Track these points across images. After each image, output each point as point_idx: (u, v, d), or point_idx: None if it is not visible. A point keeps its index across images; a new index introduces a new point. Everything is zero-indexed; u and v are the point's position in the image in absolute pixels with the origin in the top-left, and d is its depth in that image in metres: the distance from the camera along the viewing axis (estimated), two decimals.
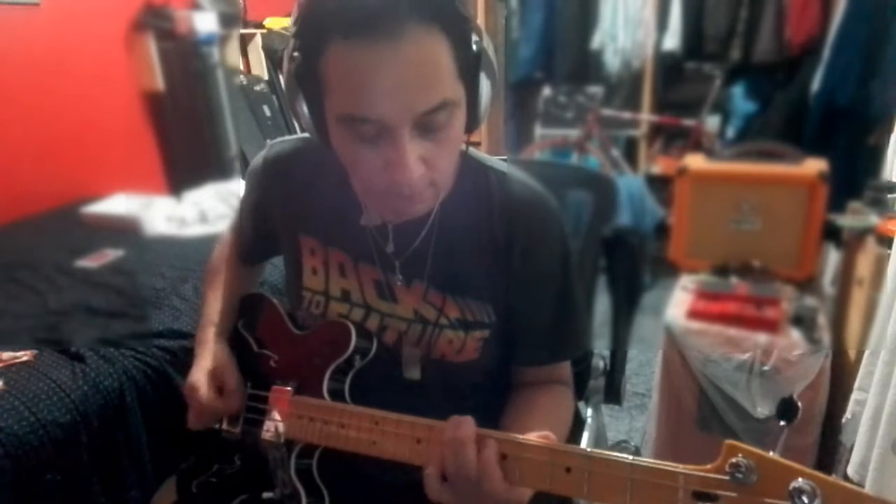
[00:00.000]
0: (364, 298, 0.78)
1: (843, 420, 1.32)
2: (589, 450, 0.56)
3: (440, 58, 0.58)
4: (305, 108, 0.64)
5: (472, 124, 0.66)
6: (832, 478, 0.46)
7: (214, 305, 0.88)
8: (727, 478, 0.49)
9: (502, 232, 0.73)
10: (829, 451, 1.49)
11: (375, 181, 0.64)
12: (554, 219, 0.76)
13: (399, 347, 0.78)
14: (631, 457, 0.54)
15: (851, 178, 1.63)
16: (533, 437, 0.60)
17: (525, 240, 0.73)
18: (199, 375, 0.79)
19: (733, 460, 0.49)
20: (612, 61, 2.81)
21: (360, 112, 0.59)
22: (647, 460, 0.53)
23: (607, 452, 0.55)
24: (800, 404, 0.55)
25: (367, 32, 0.55)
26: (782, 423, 0.56)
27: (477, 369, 0.78)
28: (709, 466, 0.51)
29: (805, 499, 0.46)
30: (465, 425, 0.61)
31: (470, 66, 0.61)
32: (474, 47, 0.61)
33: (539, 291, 0.76)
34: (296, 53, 0.60)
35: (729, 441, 0.50)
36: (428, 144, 0.62)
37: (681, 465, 0.52)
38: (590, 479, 0.55)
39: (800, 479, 0.47)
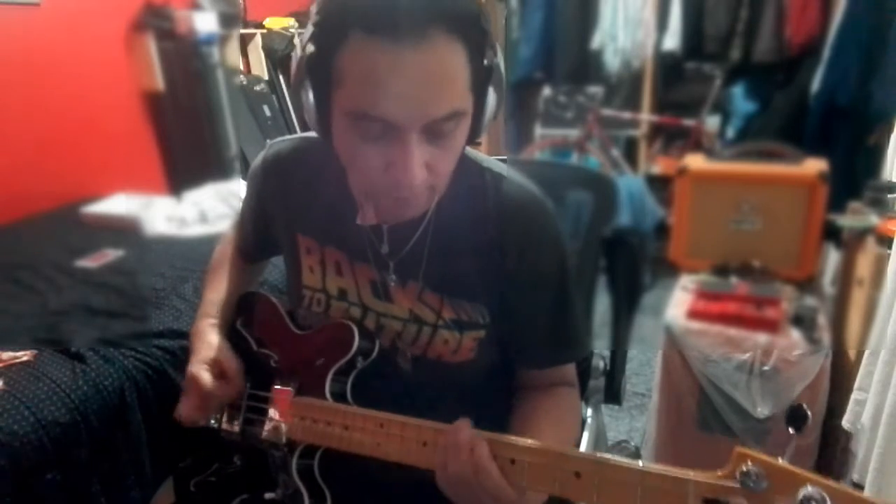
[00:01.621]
0: (360, 297, 0.78)
1: (847, 424, 1.31)
2: (599, 455, 0.56)
3: (457, 68, 0.59)
4: (311, 100, 0.63)
5: (474, 134, 0.67)
6: (840, 485, 0.46)
7: (213, 298, 0.88)
8: (737, 485, 0.49)
9: (496, 233, 0.73)
10: (829, 451, 1.49)
11: (374, 181, 0.64)
12: (549, 221, 0.76)
13: (395, 348, 0.78)
14: (641, 462, 0.53)
15: (851, 178, 1.63)
16: None
17: (519, 242, 0.73)
18: (199, 365, 0.78)
19: (743, 468, 0.49)
20: (612, 61, 2.82)
21: (373, 111, 0.58)
22: (657, 466, 0.53)
23: (618, 458, 0.55)
24: (809, 413, 0.55)
25: (392, 32, 0.55)
26: (791, 430, 0.56)
27: (473, 370, 0.78)
28: (719, 473, 0.51)
29: None
30: (460, 430, 0.61)
31: (482, 80, 0.62)
32: (489, 61, 0.61)
33: (535, 294, 0.76)
34: (310, 44, 0.60)
35: (738, 448, 0.50)
36: (433, 149, 0.62)
37: (691, 472, 0.52)
38: (599, 484, 0.55)
39: (809, 487, 0.47)
